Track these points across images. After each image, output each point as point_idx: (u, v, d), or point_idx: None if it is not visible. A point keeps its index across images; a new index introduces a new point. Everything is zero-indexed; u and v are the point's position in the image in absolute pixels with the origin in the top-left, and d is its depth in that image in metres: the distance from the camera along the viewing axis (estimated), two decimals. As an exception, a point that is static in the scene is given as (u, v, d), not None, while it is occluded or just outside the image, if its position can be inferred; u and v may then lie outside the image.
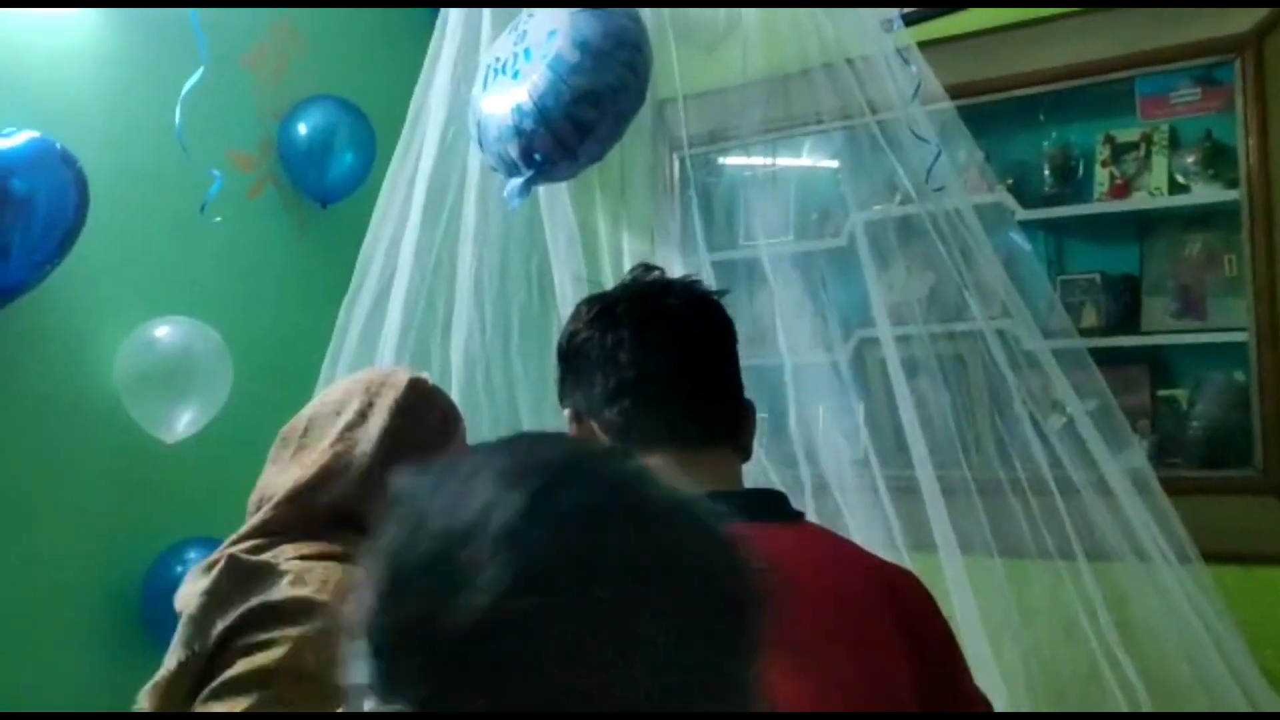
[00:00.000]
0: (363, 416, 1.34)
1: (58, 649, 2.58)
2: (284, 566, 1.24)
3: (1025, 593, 2.75)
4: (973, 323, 2.40)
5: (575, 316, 1.20)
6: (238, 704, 1.16)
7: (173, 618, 2.61)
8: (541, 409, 2.46)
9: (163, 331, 2.62)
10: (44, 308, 2.53)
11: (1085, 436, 2.24)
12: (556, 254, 2.18)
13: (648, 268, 1.25)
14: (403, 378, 1.41)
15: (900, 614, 1.09)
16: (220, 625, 1.20)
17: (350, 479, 1.30)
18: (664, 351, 1.13)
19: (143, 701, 1.22)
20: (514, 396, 2.41)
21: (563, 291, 2.19)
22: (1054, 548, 2.51)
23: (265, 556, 1.26)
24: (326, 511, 1.30)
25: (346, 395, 1.39)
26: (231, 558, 1.24)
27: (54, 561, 2.57)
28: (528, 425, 2.39)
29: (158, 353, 2.59)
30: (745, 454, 1.17)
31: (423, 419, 1.36)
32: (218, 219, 2.51)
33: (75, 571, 2.61)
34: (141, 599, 2.67)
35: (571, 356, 1.19)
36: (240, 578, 1.23)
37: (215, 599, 1.22)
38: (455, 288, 2.30)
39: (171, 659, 1.22)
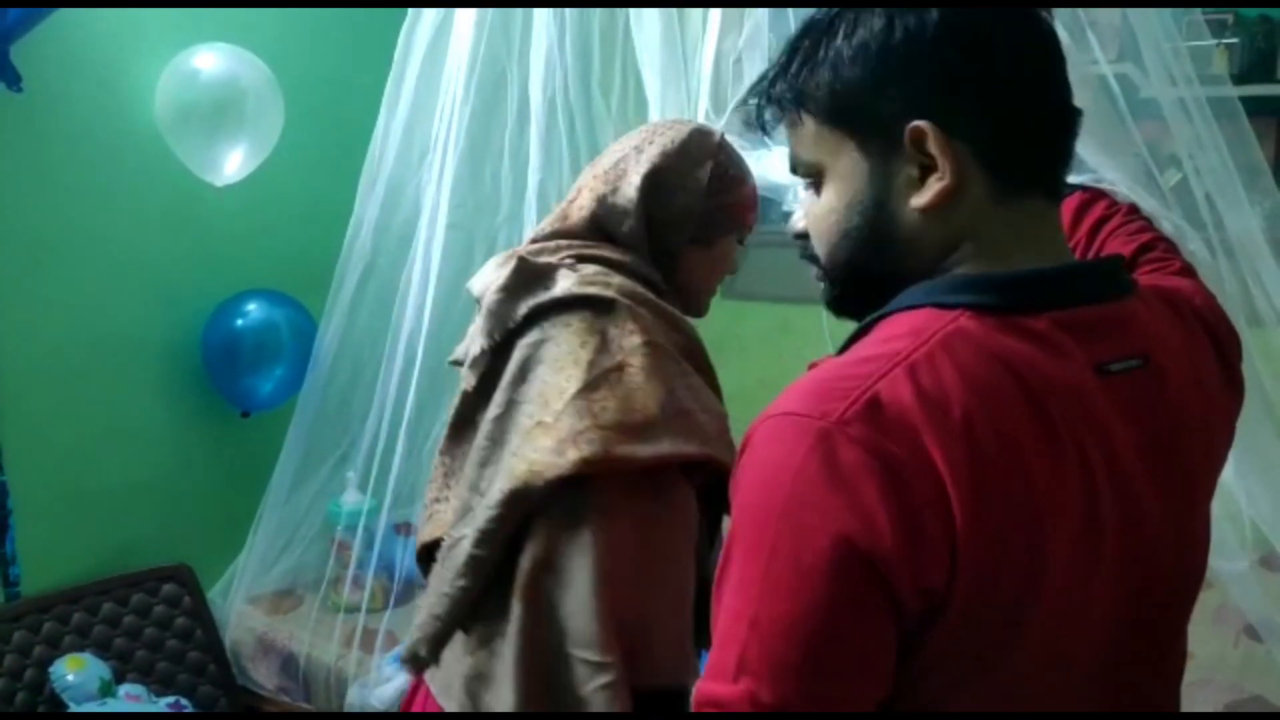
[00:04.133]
0: (638, 151, 1.41)
1: (126, 397, 2.58)
2: (564, 266, 1.36)
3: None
4: (1090, 67, 2.18)
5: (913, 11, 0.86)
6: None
7: (230, 367, 2.60)
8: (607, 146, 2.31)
9: (206, 60, 2.45)
10: (76, 31, 2.37)
11: (1199, 195, 2.06)
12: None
13: None
14: (685, 128, 1.44)
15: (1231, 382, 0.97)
16: (513, 317, 1.33)
17: (615, 204, 1.40)
18: (1044, 76, 0.86)
19: (464, 376, 1.38)
20: (595, 136, 2.25)
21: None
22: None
23: (539, 256, 1.38)
24: (595, 224, 1.42)
25: (637, 134, 1.48)
26: (520, 259, 1.37)
27: (111, 310, 2.53)
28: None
29: (201, 84, 2.43)
30: None
31: (688, 168, 1.39)
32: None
33: (136, 322, 2.57)
34: (201, 349, 2.63)
35: (925, 57, 0.84)
36: (526, 277, 1.35)
37: (507, 294, 1.34)
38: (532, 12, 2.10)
39: (475, 345, 1.36)
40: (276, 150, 2.54)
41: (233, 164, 2.48)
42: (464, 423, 1.38)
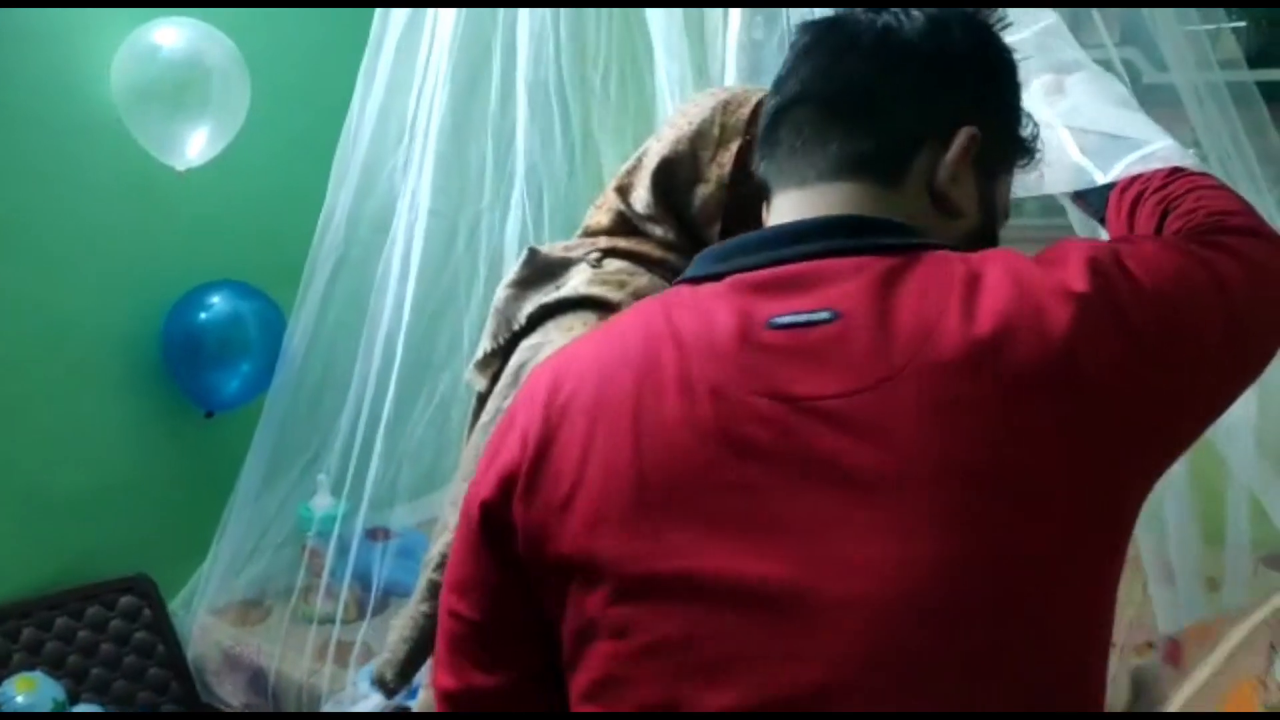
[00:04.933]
0: (658, 139, 1.29)
1: (79, 394, 2.42)
2: (585, 261, 1.24)
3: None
4: (1094, 50, 2.08)
5: None
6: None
7: (193, 363, 2.45)
8: (605, 131, 2.19)
9: (167, 35, 2.29)
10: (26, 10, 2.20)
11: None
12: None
13: None
14: (708, 104, 1.28)
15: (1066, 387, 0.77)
16: (517, 318, 1.24)
17: (634, 206, 1.28)
18: (814, 71, 0.92)
19: (469, 377, 1.31)
20: (590, 118, 2.13)
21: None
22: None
23: (569, 252, 1.27)
24: (627, 225, 1.29)
25: (673, 112, 1.37)
26: (531, 250, 1.27)
27: (66, 301, 2.37)
28: (605, 149, 2.13)
29: (162, 60, 2.27)
30: (934, 196, 0.87)
31: (706, 156, 1.25)
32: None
33: (92, 315, 2.42)
34: (162, 344, 2.48)
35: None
36: (538, 271, 1.25)
37: (516, 290, 1.26)
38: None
39: (481, 346, 1.29)
40: (243, 132, 2.39)
41: (196, 146, 2.34)
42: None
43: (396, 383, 2.20)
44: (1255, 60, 2.40)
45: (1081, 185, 1.24)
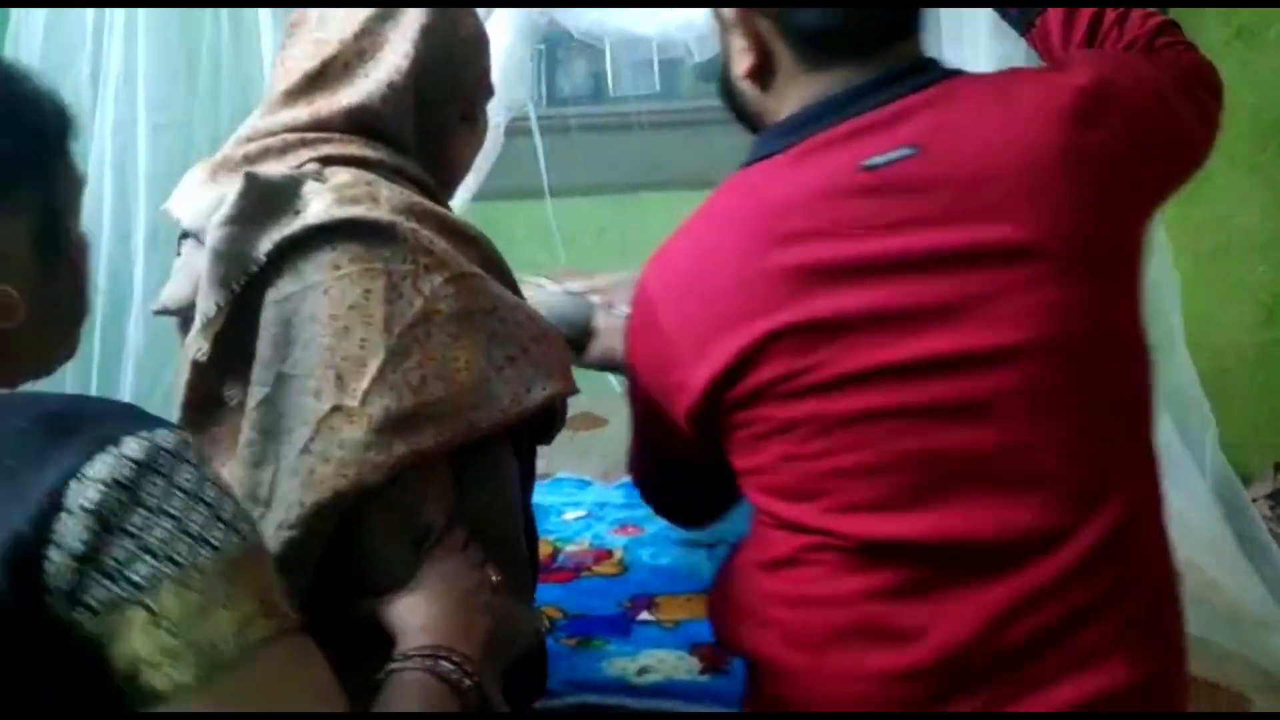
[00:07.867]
0: (393, 19, 1.13)
1: None
2: (307, 176, 1.06)
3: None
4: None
5: None
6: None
7: None
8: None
9: None
10: None
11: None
12: None
13: None
14: None
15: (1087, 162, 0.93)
16: (254, 258, 1.03)
17: (381, 79, 1.11)
18: None
19: (189, 351, 1.06)
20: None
21: None
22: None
23: (279, 163, 1.09)
24: (351, 117, 1.12)
25: None
26: (249, 175, 1.04)
27: None
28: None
29: None
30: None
31: (463, 18, 1.18)
32: None
33: None
34: None
35: None
36: (262, 197, 1.03)
37: (240, 227, 1.03)
38: None
39: (208, 300, 1.04)
40: None
41: None
42: (207, 403, 1.08)
43: None
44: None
45: None
